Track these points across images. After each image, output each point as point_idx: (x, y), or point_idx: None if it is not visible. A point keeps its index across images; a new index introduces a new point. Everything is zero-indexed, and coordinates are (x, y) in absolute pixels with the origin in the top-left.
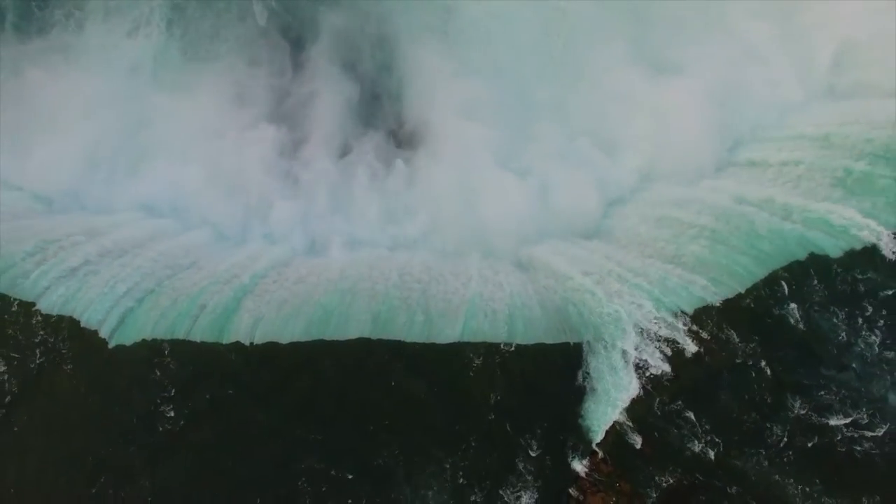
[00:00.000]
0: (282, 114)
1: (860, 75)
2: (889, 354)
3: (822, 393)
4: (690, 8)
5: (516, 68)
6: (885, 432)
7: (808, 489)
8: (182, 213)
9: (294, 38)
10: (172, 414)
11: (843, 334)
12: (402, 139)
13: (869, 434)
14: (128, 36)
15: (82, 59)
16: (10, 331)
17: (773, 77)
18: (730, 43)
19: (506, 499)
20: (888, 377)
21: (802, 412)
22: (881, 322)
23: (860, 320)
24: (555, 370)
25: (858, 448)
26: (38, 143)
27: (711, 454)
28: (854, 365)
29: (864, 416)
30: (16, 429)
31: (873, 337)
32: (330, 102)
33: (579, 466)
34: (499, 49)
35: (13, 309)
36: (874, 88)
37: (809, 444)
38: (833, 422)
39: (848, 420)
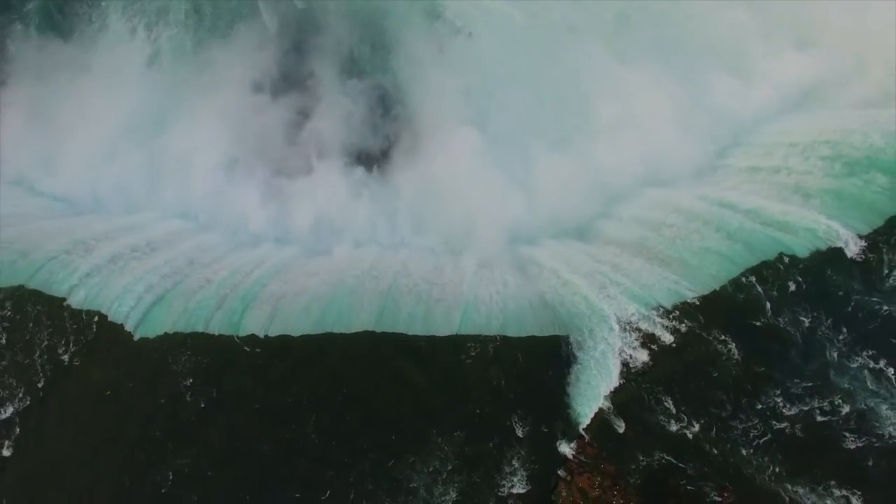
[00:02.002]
0: (288, 107)
1: (839, 85)
2: (854, 348)
3: (789, 381)
4: (674, 9)
5: (507, 65)
6: (844, 418)
7: (774, 468)
8: (198, 214)
9: (300, 30)
10: (193, 401)
11: (809, 328)
12: (397, 143)
13: (831, 420)
14: (147, 29)
15: (102, 57)
16: (44, 325)
17: (754, 84)
18: (719, 47)
19: (499, 478)
20: (850, 368)
21: (770, 399)
22: (844, 317)
23: (825, 315)
24: (544, 361)
25: (822, 431)
26: (62, 147)
27: (688, 437)
28: (818, 356)
29: (827, 403)
30: (49, 415)
31: (836, 331)
32: (333, 106)
33: (567, 449)
34: (489, 45)
35: (46, 305)
36: (850, 98)
37: (776, 428)
38: (798, 407)
39: (811, 406)
